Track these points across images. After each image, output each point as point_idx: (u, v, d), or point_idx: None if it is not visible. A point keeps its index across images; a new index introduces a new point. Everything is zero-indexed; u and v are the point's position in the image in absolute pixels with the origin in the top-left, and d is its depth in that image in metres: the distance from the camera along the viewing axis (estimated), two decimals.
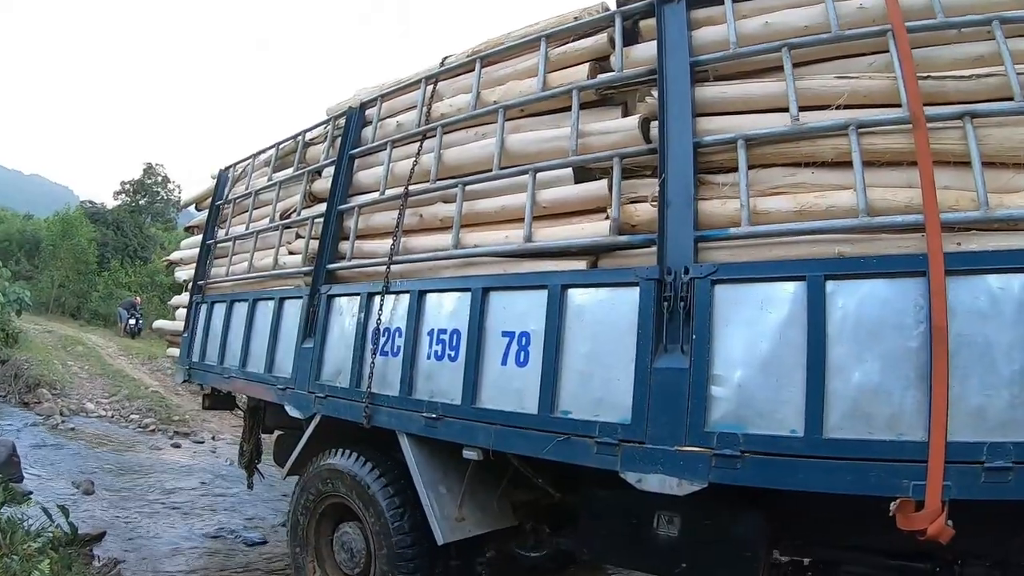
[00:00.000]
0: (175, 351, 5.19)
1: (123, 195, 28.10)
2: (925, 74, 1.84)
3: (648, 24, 2.37)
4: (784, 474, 1.71)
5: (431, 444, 2.57)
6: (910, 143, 1.80)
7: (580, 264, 2.26)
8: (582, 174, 2.42)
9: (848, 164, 1.88)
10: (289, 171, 3.99)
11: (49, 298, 18.65)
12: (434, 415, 2.47)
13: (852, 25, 1.99)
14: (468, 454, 2.37)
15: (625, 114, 2.43)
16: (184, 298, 5.10)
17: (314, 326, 3.20)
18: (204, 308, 4.49)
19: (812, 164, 1.97)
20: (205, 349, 4.37)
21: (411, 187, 2.92)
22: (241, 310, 3.94)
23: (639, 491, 1.92)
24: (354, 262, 3.15)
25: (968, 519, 1.57)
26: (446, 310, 2.57)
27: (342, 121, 3.57)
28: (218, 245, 4.68)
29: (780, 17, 2.12)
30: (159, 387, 10.17)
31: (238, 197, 4.54)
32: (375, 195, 3.16)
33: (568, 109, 2.44)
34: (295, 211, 3.74)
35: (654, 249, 2.04)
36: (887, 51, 1.91)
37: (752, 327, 1.83)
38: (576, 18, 2.62)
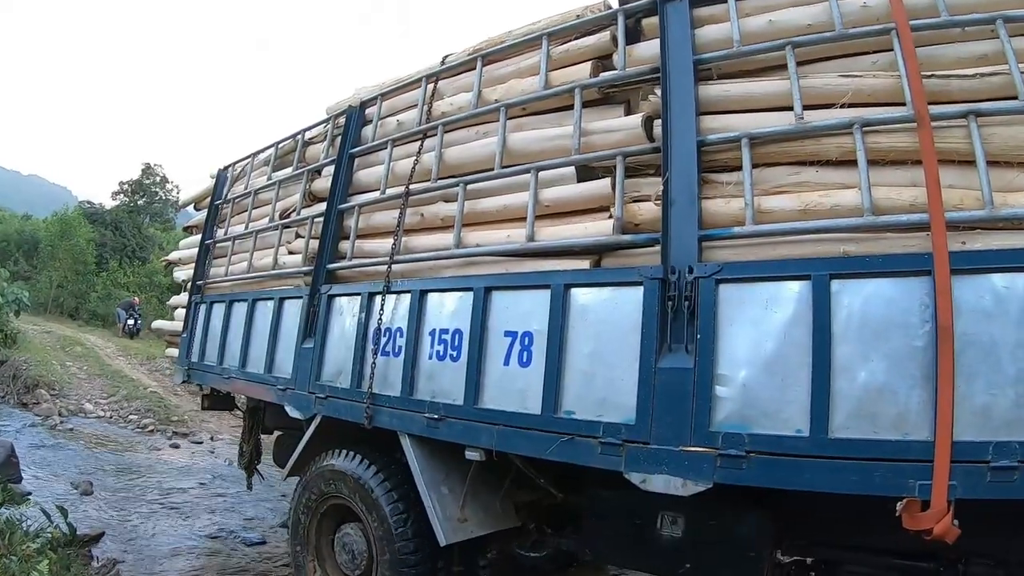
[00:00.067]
0: (174, 351, 5.18)
1: (121, 195, 28.04)
2: (929, 73, 1.84)
3: (651, 22, 2.36)
4: (789, 474, 1.71)
5: (433, 445, 2.56)
6: (914, 142, 1.80)
7: (583, 263, 2.24)
8: (585, 173, 2.41)
9: (852, 163, 1.87)
10: (288, 170, 3.98)
11: (47, 298, 18.60)
12: (436, 416, 2.46)
13: (855, 23, 1.98)
14: (471, 455, 2.36)
15: (627, 113, 2.42)
16: (183, 298, 5.08)
17: (314, 326, 3.18)
18: (203, 308, 4.47)
19: (816, 163, 1.96)
20: (204, 349, 4.35)
21: (412, 186, 2.91)
22: (240, 310, 3.93)
23: (642, 491, 1.91)
24: (355, 262, 3.14)
25: (972, 518, 1.56)
26: (448, 310, 2.56)
27: (342, 120, 3.55)
28: (217, 245, 4.66)
29: (783, 15, 2.11)
30: (158, 387, 10.14)
31: (237, 197, 4.52)
32: (376, 194, 3.14)
33: (570, 107, 2.43)
34: (295, 210, 3.72)
35: (658, 248, 2.03)
36: (891, 49, 1.90)
37: (757, 327, 1.82)
38: (578, 16, 2.61)
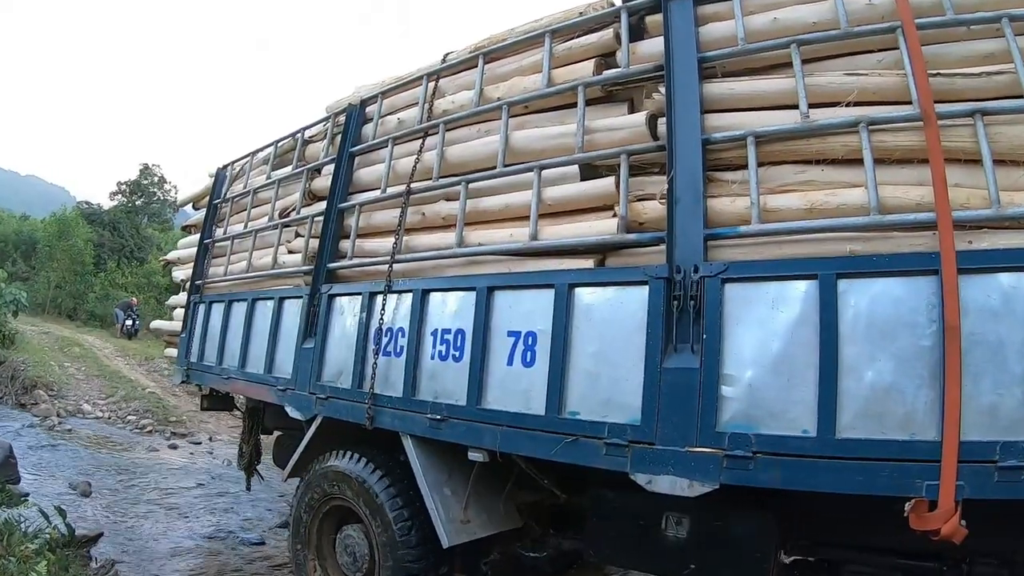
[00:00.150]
0: (173, 351, 5.15)
1: (119, 196, 27.97)
2: (935, 71, 1.83)
3: (654, 20, 2.34)
4: (796, 475, 1.69)
5: (435, 445, 2.54)
6: (920, 140, 1.79)
7: (587, 263, 2.23)
8: (588, 171, 2.40)
9: (858, 162, 1.86)
10: (288, 169, 3.95)
11: (45, 299, 18.54)
12: (439, 416, 2.44)
13: (861, 21, 1.97)
14: (474, 456, 2.34)
15: (631, 111, 2.40)
16: (182, 298, 5.06)
17: (315, 326, 3.16)
18: (202, 308, 4.45)
19: (822, 161, 1.95)
20: (204, 349, 4.33)
21: (413, 185, 2.89)
22: (240, 310, 3.91)
23: (647, 492, 1.89)
24: (355, 261, 3.12)
25: (979, 518, 1.56)
26: (450, 309, 2.54)
27: (342, 118, 3.53)
28: (216, 244, 4.64)
29: (788, 13, 2.10)
30: (156, 388, 10.11)
31: (236, 196, 4.50)
32: (376, 193, 3.12)
33: (573, 106, 2.42)
34: (294, 209, 3.70)
35: (662, 247, 2.02)
36: (896, 48, 1.89)
37: (763, 326, 1.80)
38: (581, 13, 2.59)
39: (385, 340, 2.75)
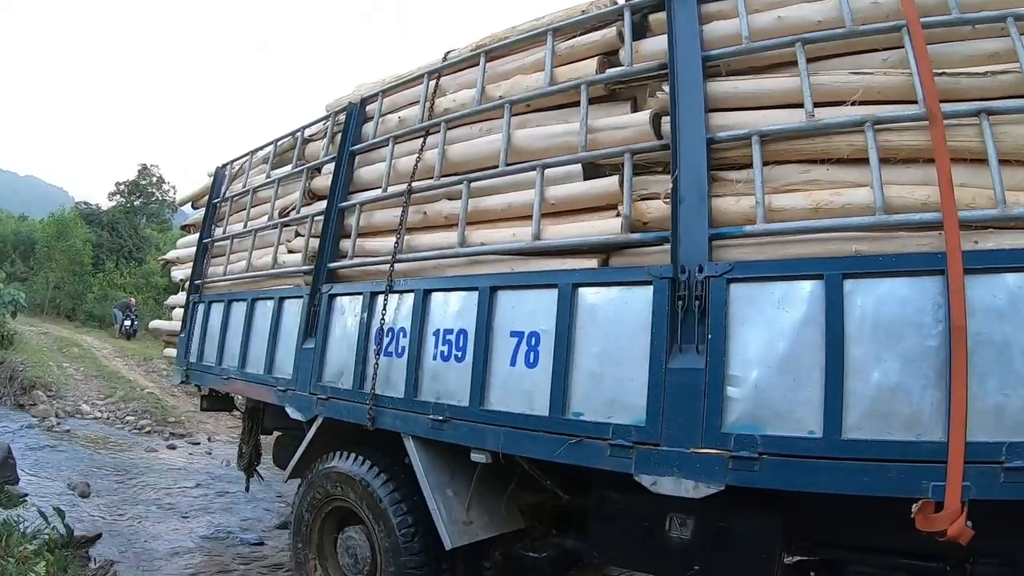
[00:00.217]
0: (172, 352, 5.13)
1: (118, 196, 27.93)
2: (940, 70, 1.82)
3: (658, 18, 2.33)
4: (802, 476, 1.68)
5: (437, 446, 2.53)
6: (926, 140, 1.78)
7: (590, 262, 2.22)
8: (591, 170, 2.38)
9: (863, 161, 1.85)
10: (288, 168, 3.93)
11: (44, 299, 18.48)
12: (441, 417, 2.42)
13: (865, 20, 1.97)
14: (476, 457, 2.33)
15: (634, 109, 2.39)
16: (181, 298, 5.04)
17: (315, 326, 3.14)
18: (201, 308, 4.43)
19: (827, 161, 1.94)
20: (203, 350, 4.31)
21: (414, 184, 2.87)
22: (240, 310, 3.89)
23: (651, 493, 1.88)
24: (356, 260, 3.10)
25: (985, 518, 1.55)
26: (452, 309, 2.53)
27: (342, 117, 3.51)
28: (215, 244, 4.62)
29: (793, 11, 2.09)
30: (154, 388, 10.09)
31: (236, 195, 4.48)
32: (377, 192, 3.11)
33: (575, 104, 2.41)
34: (294, 209, 3.68)
35: (666, 247, 2.00)
36: (901, 47, 1.89)
37: (769, 326, 1.79)
38: (583, 12, 2.58)
39: (386, 340, 2.74)
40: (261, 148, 4.42)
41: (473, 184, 2.63)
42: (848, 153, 1.89)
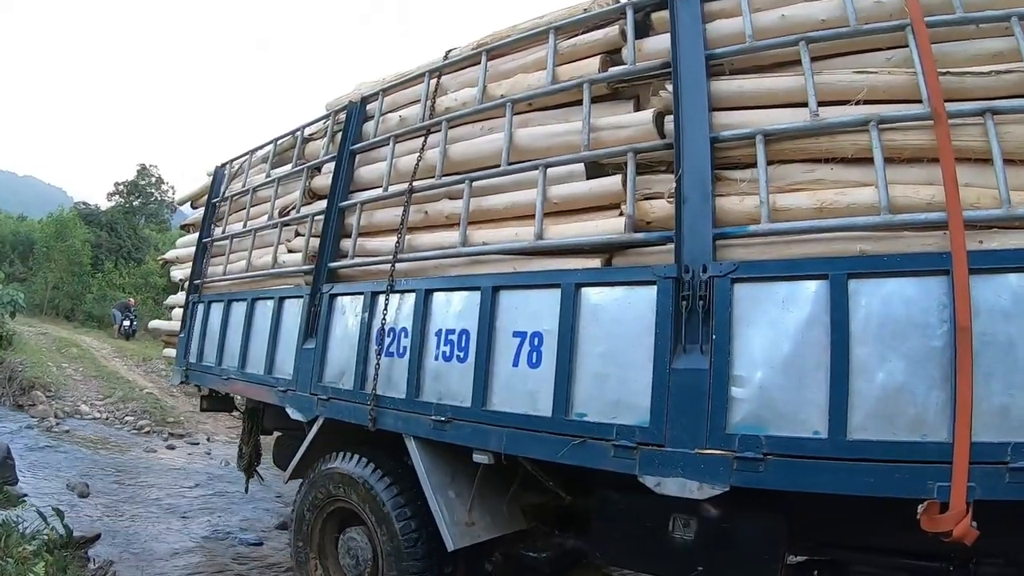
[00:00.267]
0: (171, 352, 5.12)
1: (117, 196, 27.86)
2: (944, 70, 1.81)
3: (660, 16, 2.32)
4: (807, 476, 1.68)
5: (439, 447, 2.52)
6: (931, 139, 1.78)
7: (593, 262, 2.21)
8: (594, 170, 2.37)
9: (867, 160, 1.85)
10: (287, 167, 3.92)
11: (43, 300, 18.45)
12: (443, 418, 2.41)
13: (869, 19, 1.96)
14: (479, 458, 2.32)
15: (637, 108, 2.38)
16: (180, 297, 5.02)
17: (316, 326, 3.13)
18: (201, 308, 4.42)
19: (831, 160, 1.93)
20: (203, 350, 4.29)
21: (416, 183, 2.86)
22: (239, 310, 3.87)
23: (654, 493, 1.87)
24: (357, 260, 3.09)
25: (991, 518, 1.54)
26: (454, 309, 2.52)
27: (342, 116, 3.50)
28: (215, 243, 4.60)
29: (796, 10, 2.09)
30: (153, 389, 10.08)
31: (235, 194, 4.46)
32: (378, 191, 3.10)
33: (578, 103, 2.40)
34: (294, 208, 3.67)
35: (670, 247, 1.99)
36: (905, 46, 1.88)
37: (773, 327, 1.78)
38: (586, 10, 2.57)
39: (388, 340, 2.73)
40: (261, 147, 4.40)
41: (475, 183, 2.62)
42: (852, 152, 1.89)
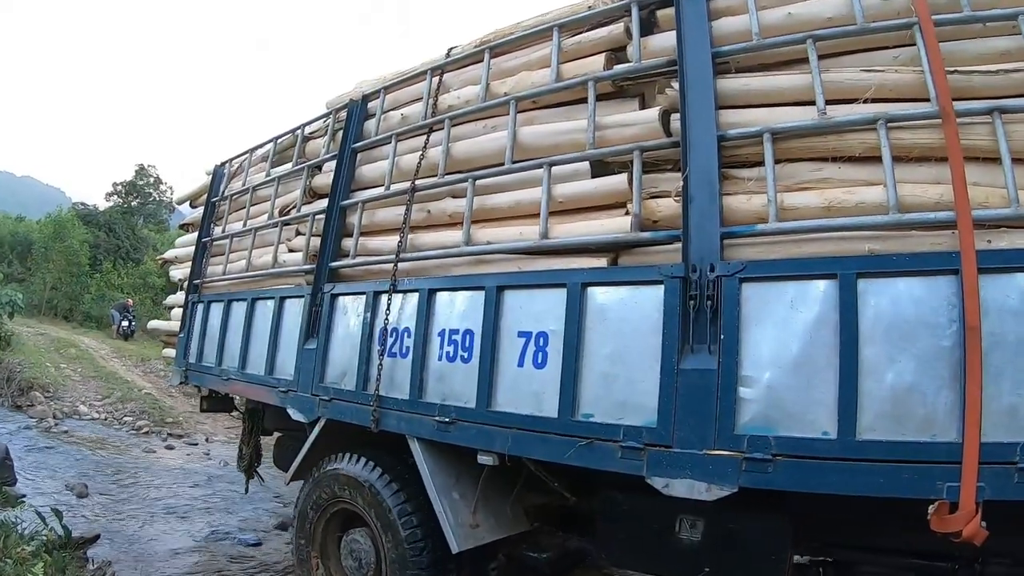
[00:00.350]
0: (170, 352, 5.09)
1: (115, 196, 27.76)
2: (951, 68, 1.80)
3: (666, 14, 2.30)
4: (816, 477, 1.66)
5: (442, 448, 2.50)
6: (939, 138, 1.77)
7: (599, 261, 2.19)
8: (599, 168, 2.35)
9: (875, 159, 1.83)
10: (288, 166, 3.89)
11: (41, 300, 18.38)
12: (447, 419, 2.39)
13: (877, 17, 1.94)
14: (483, 459, 2.30)
15: (642, 106, 2.36)
16: (179, 297, 4.99)
17: (317, 326, 3.11)
18: (201, 308, 4.39)
19: (839, 159, 1.92)
20: (202, 350, 4.27)
21: (418, 181, 2.84)
22: (240, 310, 3.85)
23: (660, 494, 1.86)
24: (359, 260, 3.06)
25: (999, 518, 1.53)
26: (458, 309, 2.50)
27: (343, 114, 3.48)
28: (215, 243, 4.57)
29: (803, 8, 2.07)
30: (152, 389, 10.05)
31: (235, 193, 4.44)
32: (379, 190, 3.07)
33: (582, 101, 2.38)
34: (295, 207, 3.64)
35: (677, 246, 1.98)
36: (913, 44, 1.87)
37: (782, 326, 1.77)
38: (590, 7, 2.55)
39: (390, 341, 2.71)
40: (261, 146, 4.38)
41: (479, 182, 2.60)
42: (860, 151, 1.87)
